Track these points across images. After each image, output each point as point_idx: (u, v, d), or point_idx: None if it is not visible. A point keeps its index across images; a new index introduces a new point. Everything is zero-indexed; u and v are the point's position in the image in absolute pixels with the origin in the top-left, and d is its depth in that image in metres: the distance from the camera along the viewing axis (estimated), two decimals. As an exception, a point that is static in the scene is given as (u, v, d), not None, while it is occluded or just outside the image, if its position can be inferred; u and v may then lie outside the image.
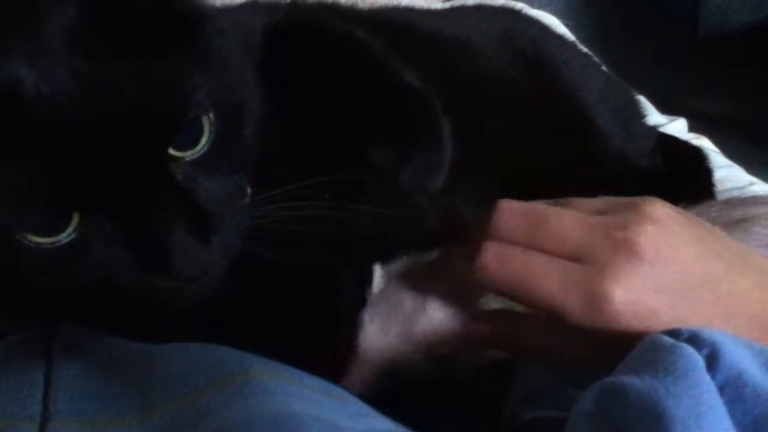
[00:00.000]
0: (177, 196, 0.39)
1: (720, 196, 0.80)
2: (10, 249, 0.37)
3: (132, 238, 0.38)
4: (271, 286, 0.48)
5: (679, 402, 0.32)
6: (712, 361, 0.34)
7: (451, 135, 0.52)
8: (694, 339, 0.35)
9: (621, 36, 1.75)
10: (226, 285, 0.43)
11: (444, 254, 0.53)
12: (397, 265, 0.53)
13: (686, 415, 0.31)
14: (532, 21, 0.84)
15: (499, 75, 0.71)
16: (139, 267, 0.39)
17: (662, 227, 0.43)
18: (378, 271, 0.52)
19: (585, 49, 0.85)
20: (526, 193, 0.49)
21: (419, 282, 0.51)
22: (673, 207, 0.45)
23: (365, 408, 0.43)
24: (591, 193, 0.49)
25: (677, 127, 0.99)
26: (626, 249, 0.42)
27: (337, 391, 0.44)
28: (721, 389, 0.33)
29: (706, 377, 0.33)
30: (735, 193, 0.83)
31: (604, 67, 0.84)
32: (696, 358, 0.34)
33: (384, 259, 0.53)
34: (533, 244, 0.44)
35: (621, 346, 0.40)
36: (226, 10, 0.56)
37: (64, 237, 0.37)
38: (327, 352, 0.49)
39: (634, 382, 0.34)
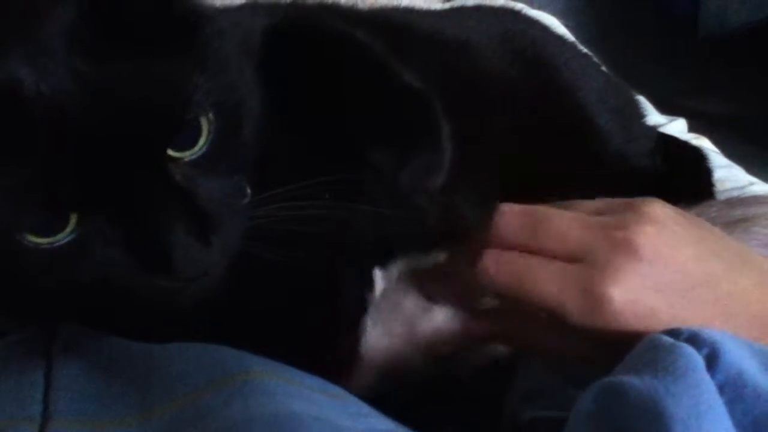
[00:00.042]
0: (176, 196, 0.39)
1: (720, 196, 0.80)
2: (9, 249, 0.37)
3: (131, 238, 0.38)
4: (271, 286, 0.48)
5: (678, 401, 0.32)
6: (712, 360, 0.34)
7: (450, 136, 0.52)
8: (694, 339, 0.35)
9: (621, 36, 1.75)
10: (226, 285, 0.43)
11: (446, 255, 0.53)
12: (397, 269, 0.53)
13: (686, 414, 0.31)
14: (531, 21, 0.84)
15: (499, 75, 0.71)
16: (139, 267, 0.39)
17: (662, 227, 0.43)
18: (378, 275, 0.52)
19: (585, 50, 0.85)
20: (526, 193, 0.49)
21: (421, 283, 0.51)
22: (673, 207, 0.45)
23: (365, 408, 0.43)
24: (591, 193, 0.49)
25: (677, 128, 0.99)
26: (626, 249, 0.42)
27: (336, 390, 0.44)
28: (721, 389, 0.33)
29: (706, 377, 0.33)
30: (735, 193, 0.83)
31: (603, 68, 0.84)
32: (696, 358, 0.34)
33: (384, 259, 0.53)
34: (533, 245, 0.44)
35: (620, 346, 0.40)
36: (226, 10, 0.56)
37: (63, 237, 0.37)
38: (328, 353, 0.49)
39: (633, 381, 0.34)
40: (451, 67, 0.67)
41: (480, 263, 0.45)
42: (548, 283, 0.43)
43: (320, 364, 0.46)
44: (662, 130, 0.91)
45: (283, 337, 0.48)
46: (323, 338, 0.50)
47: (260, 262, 0.44)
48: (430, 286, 0.51)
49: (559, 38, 0.85)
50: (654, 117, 0.94)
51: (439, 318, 0.50)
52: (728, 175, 0.87)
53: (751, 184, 0.87)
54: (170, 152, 0.39)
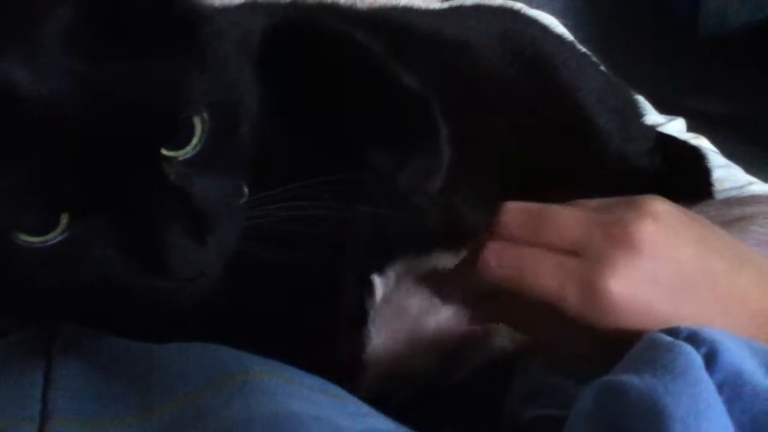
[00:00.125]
0: (171, 196, 0.39)
1: (719, 196, 0.80)
2: (3, 249, 0.37)
3: (126, 238, 0.38)
4: (270, 286, 0.48)
5: (678, 400, 0.32)
6: (711, 359, 0.34)
7: (448, 138, 0.52)
8: (693, 337, 0.35)
9: (621, 36, 1.75)
10: (225, 285, 0.43)
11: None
12: (396, 271, 0.53)
13: (685, 413, 0.31)
14: (530, 21, 0.84)
15: (498, 75, 0.71)
16: (135, 267, 0.39)
17: (662, 223, 0.43)
18: (378, 280, 0.52)
19: (584, 49, 0.85)
20: (526, 193, 0.49)
21: (424, 283, 0.51)
22: (674, 204, 0.45)
23: (365, 408, 0.43)
24: (590, 193, 0.49)
25: (676, 127, 0.99)
26: (625, 244, 0.42)
27: (336, 390, 0.44)
28: (720, 388, 0.33)
29: (705, 376, 0.33)
30: (734, 193, 0.83)
31: (603, 67, 0.84)
32: (695, 357, 0.34)
33: (384, 260, 0.53)
34: (534, 239, 0.45)
35: (618, 343, 0.40)
36: (225, 10, 0.56)
37: (54, 237, 0.37)
38: (328, 353, 0.49)
39: (633, 380, 0.34)
40: (450, 67, 0.67)
41: (481, 256, 0.45)
42: (548, 276, 0.43)
43: (320, 364, 0.46)
44: (661, 129, 0.91)
45: (282, 337, 0.48)
46: (323, 338, 0.50)
47: (260, 262, 0.44)
48: (434, 285, 0.51)
49: (558, 38, 0.85)
50: (653, 116, 0.94)
51: (444, 316, 0.50)
52: (727, 174, 0.87)
53: (750, 183, 0.87)
54: (164, 151, 0.39)
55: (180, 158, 0.39)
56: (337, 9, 0.70)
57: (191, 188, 0.40)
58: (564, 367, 0.51)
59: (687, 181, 0.80)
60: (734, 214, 0.62)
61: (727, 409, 0.33)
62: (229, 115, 0.42)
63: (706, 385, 0.33)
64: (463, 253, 0.51)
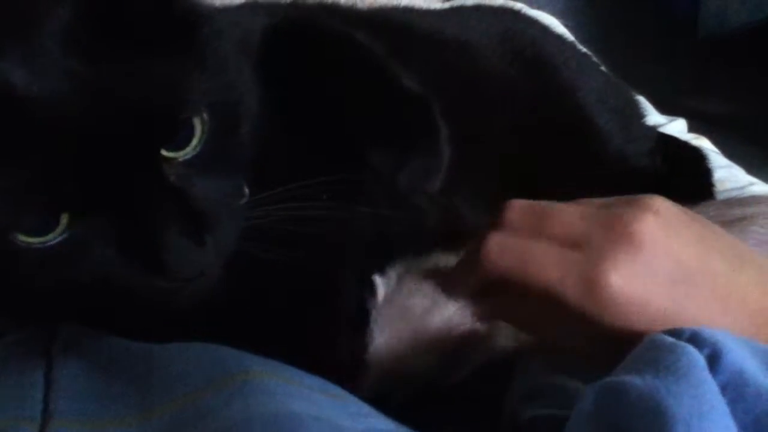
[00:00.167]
0: (170, 196, 0.39)
1: (720, 197, 0.80)
2: (3, 249, 0.37)
3: (125, 238, 0.38)
4: (271, 286, 0.48)
5: (680, 401, 0.32)
6: (714, 360, 0.34)
7: (448, 139, 0.52)
8: (696, 338, 0.35)
9: (621, 36, 1.75)
10: (226, 285, 0.43)
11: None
12: (397, 271, 0.53)
13: (688, 414, 0.31)
14: (531, 21, 0.84)
15: (499, 75, 0.71)
16: (134, 267, 0.39)
17: (663, 221, 0.43)
18: (379, 282, 0.52)
19: (584, 49, 0.85)
20: (526, 193, 0.49)
21: (427, 281, 0.51)
22: (675, 204, 0.46)
23: (365, 408, 0.43)
24: (590, 192, 0.49)
25: (677, 128, 0.99)
26: (626, 238, 0.42)
27: (336, 390, 0.44)
28: (723, 389, 0.33)
29: (708, 377, 0.33)
30: (735, 194, 0.83)
31: (603, 67, 0.84)
32: (697, 358, 0.34)
33: (385, 260, 0.53)
34: (537, 233, 0.45)
35: (619, 340, 0.40)
36: (225, 10, 0.56)
37: (54, 237, 0.37)
38: (328, 353, 0.49)
39: (635, 381, 0.34)
40: (450, 67, 0.67)
41: (484, 246, 0.46)
42: (549, 267, 0.43)
43: (320, 364, 0.46)
44: (662, 130, 0.91)
45: (283, 337, 0.48)
46: (323, 338, 0.50)
47: (260, 262, 0.44)
48: (437, 282, 0.51)
49: (559, 38, 0.85)
50: (654, 117, 0.94)
51: (447, 315, 0.50)
52: (728, 175, 0.87)
53: (751, 184, 0.87)
54: (164, 152, 0.39)
55: (180, 159, 0.39)
56: (337, 9, 0.70)
57: (191, 189, 0.40)
58: (566, 366, 0.51)
59: (688, 182, 0.80)
60: (734, 215, 0.62)
61: (730, 411, 0.33)
62: (229, 115, 0.42)
63: (709, 387, 0.33)
64: (464, 253, 0.51)
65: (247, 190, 0.45)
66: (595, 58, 0.84)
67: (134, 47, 0.37)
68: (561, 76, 0.75)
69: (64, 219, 0.37)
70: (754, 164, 0.95)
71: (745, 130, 1.51)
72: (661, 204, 0.44)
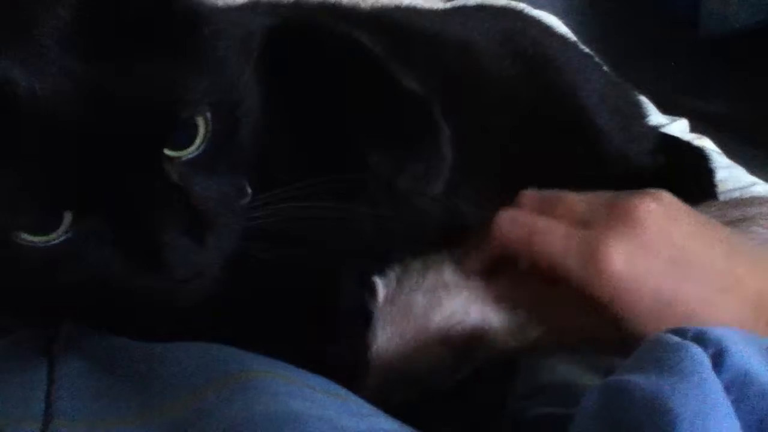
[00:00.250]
0: (172, 196, 0.39)
1: (721, 197, 0.80)
2: (6, 248, 0.37)
3: (126, 238, 0.38)
4: (272, 286, 0.48)
5: (685, 401, 0.32)
6: (718, 359, 0.34)
7: (450, 141, 0.52)
8: (700, 337, 0.35)
9: (621, 36, 1.75)
10: (227, 284, 0.43)
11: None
12: (397, 272, 0.53)
13: (693, 413, 0.31)
14: (533, 21, 0.84)
15: (501, 75, 0.71)
16: (135, 267, 0.39)
17: (666, 208, 0.46)
18: (380, 281, 0.52)
19: (586, 50, 0.85)
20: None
21: (428, 277, 0.51)
22: (678, 199, 0.48)
23: (366, 407, 0.43)
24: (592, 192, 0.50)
25: (679, 128, 0.99)
26: (629, 218, 0.45)
27: (338, 390, 0.44)
28: (728, 388, 0.33)
29: (713, 376, 0.33)
30: (736, 194, 0.83)
31: (604, 68, 0.84)
32: (702, 357, 0.34)
33: (386, 260, 0.53)
34: (546, 213, 0.48)
35: (618, 318, 0.43)
36: (226, 10, 0.56)
37: (58, 236, 0.37)
38: (329, 353, 0.49)
39: (639, 380, 0.34)
40: (452, 67, 0.67)
41: (495, 220, 0.49)
42: (554, 240, 0.46)
43: (321, 364, 0.46)
44: (664, 130, 0.91)
45: (283, 337, 0.47)
46: (324, 339, 0.50)
47: (261, 262, 0.44)
48: (439, 277, 0.52)
49: (561, 38, 0.85)
50: (656, 117, 0.94)
51: (449, 313, 0.50)
52: (730, 175, 0.87)
53: (753, 184, 0.87)
54: (167, 151, 0.39)
55: (183, 158, 0.39)
56: (339, 9, 0.70)
57: (193, 188, 0.40)
58: (569, 359, 0.52)
59: (690, 182, 0.80)
60: (735, 215, 0.62)
61: (735, 410, 0.33)
62: (231, 115, 0.42)
63: (713, 386, 0.33)
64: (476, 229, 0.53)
65: (249, 190, 0.45)
66: (596, 58, 0.84)
67: (135, 47, 0.38)
68: (563, 76, 0.75)
69: (68, 218, 0.37)
70: (753, 164, 0.95)
71: (744, 131, 1.51)
72: (666, 195, 0.47)
